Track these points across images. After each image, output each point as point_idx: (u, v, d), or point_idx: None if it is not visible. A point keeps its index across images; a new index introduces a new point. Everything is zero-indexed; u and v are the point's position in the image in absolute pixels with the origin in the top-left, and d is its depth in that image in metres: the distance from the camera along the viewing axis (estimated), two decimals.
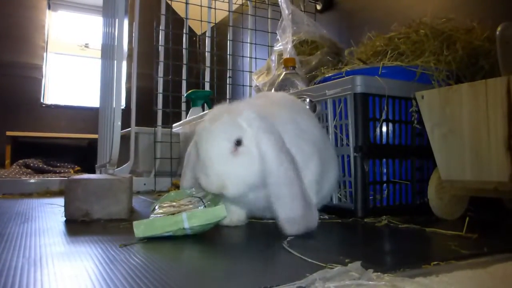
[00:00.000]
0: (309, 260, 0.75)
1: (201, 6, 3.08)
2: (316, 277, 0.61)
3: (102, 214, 1.35)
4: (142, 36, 2.84)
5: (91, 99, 5.14)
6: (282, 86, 1.78)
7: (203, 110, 2.75)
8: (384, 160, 1.37)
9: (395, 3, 2.34)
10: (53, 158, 4.33)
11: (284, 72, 1.84)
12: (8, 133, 4.54)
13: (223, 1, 3.21)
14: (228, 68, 3.25)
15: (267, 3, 3.22)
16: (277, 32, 2.39)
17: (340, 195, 1.39)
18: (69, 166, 4.20)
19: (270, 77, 2.27)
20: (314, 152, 1.17)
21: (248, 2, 3.25)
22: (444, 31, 1.55)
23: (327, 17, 2.91)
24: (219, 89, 3.27)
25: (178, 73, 3.11)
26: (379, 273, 0.64)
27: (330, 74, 1.62)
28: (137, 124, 2.71)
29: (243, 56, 3.26)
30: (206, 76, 3.25)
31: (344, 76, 1.45)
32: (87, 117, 4.99)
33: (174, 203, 1.10)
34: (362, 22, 2.46)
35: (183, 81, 3.15)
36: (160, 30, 3.01)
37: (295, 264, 0.76)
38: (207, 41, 3.33)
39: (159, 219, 1.02)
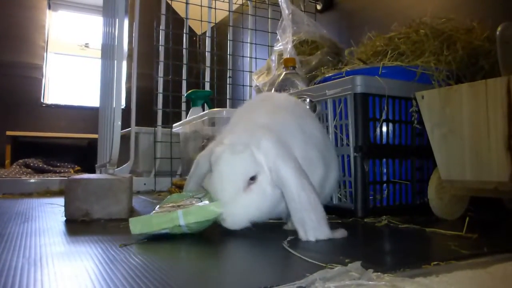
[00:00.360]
0: (309, 260, 0.75)
1: (201, 6, 3.08)
2: (316, 277, 0.61)
3: (102, 214, 1.35)
4: (142, 36, 2.84)
5: (91, 99, 5.14)
6: (282, 86, 1.78)
7: (203, 110, 2.75)
8: (384, 160, 1.37)
9: (395, 3, 2.34)
10: (53, 158, 4.33)
11: (284, 72, 1.84)
12: (8, 132, 4.54)
13: (223, 1, 3.21)
14: (228, 68, 3.25)
15: (267, 3, 3.22)
16: (277, 32, 2.39)
17: (340, 195, 1.39)
18: (69, 166, 4.20)
19: (270, 77, 2.27)
20: (319, 157, 1.18)
21: (248, 2, 3.25)
22: (444, 31, 1.55)
23: (327, 17, 2.91)
24: (219, 89, 3.27)
25: (178, 73, 3.11)
26: (379, 273, 0.64)
27: (330, 74, 1.62)
28: (137, 124, 2.71)
29: (243, 56, 3.26)
30: (206, 76, 3.25)
31: (344, 76, 1.45)
32: (87, 117, 4.98)
33: (175, 204, 1.10)
34: (362, 22, 2.46)
35: (183, 81, 3.15)
36: (160, 30, 3.01)
37: (295, 264, 0.76)
38: (207, 41, 3.33)
39: (155, 216, 1.02)
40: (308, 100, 1.48)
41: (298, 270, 0.68)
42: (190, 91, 2.83)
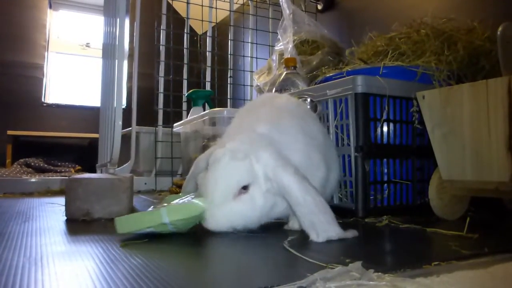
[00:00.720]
0: (310, 260, 0.75)
1: (202, 5, 3.08)
2: (317, 277, 0.61)
3: (102, 213, 1.35)
4: (143, 36, 2.84)
5: (92, 98, 5.14)
6: (283, 85, 1.78)
7: (204, 110, 2.75)
8: (385, 160, 1.37)
9: (396, 3, 2.34)
10: (54, 157, 4.34)
11: (285, 72, 1.84)
12: (9, 132, 4.54)
13: (224, 1, 3.21)
14: (229, 67, 3.25)
15: (268, 2, 3.22)
16: (278, 32, 2.39)
17: (341, 195, 1.39)
18: (70, 166, 4.20)
19: (271, 77, 2.27)
20: (321, 159, 1.18)
21: (249, 1, 3.25)
22: (445, 31, 1.55)
23: (328, 17, 2.91)
24: (220, 89, 3.27)
25: (179, 72, 3.11)
26: (379, 273, 0.64)
27: (331, 74, 1.62)
28: (138, 124, 2.71)
29: (244, 56, 3.26)
30: (207, 76, 3.25)
31: (345, 76, 1.45)
32: (88, 116, 4.98)
33: (166, 204, 1.10)
34: (363, 22, 2.46)
35: (184, 80, 3.15)
36: (161, 30, 3.01)
37: (296, 264, 0.76)
38: (208, 41, 3.33)
39: (140, 214, 1.02)
40: (309, 100, 1.48)
41: (299, 270, 0.68)
42: (191, 91, 2.83)
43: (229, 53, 3.24)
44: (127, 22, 1.81)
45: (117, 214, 1.36)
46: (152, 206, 1.13)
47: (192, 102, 2.81)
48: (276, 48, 2.41)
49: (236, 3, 3.31)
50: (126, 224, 1.00)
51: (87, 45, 5.51)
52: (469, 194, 1.28)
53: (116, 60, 1.79)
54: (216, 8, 3.19)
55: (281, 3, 2.37)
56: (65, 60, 5.41)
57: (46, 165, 4.02)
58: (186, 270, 0.75)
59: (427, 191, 1.30)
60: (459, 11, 1.86)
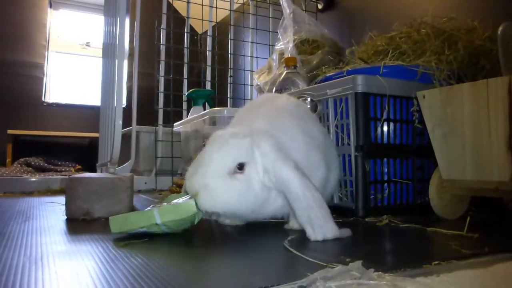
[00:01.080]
0: (310, 259, 0.75)
1: (202, 5, 3.08)
2: (317, 277, 0.61)
3: (103, 213, 1.35)
4: (143, 35, 2.84)
5: (92, 97, 5.14)
6: (283, 85, 1.78)
7: (204, 109, 2.75)
8: (385, 159, 1.37)
9: (396, 3, 2.34)
10: (54, 156, 4.34)
11: (285, 71, 1.84)
12: (10, 131, 4.55)
13: (224, 0, 3.21)
14: (229, 67, 3.25)
15: (268, 2, 3.22)
16: (278, 31, 2.39)
17: (341, 194, 1.39)
18: (70, 165, 4.21)
19: (271, 76, 2.27)
20: (321, 159, 1.18)
21: (250, 1, 3.25)
22: (445, 30, 1.55)
23: (328, 17, 2.91)
24: (220, 88, 3.27)
25: (179, 72, 3.11)
26: (380, 272, 0.64)
27: (331, 74, 1.62)
28: (138, 123, 2.70)
29: (244, 55, 3.26)
30: (207, 75, 3.25)
31: (345, 76, 1.45)
32: (88, 115, 4.99)
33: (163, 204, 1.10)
34: (363, 22, 2.46)
35: (184, 80, 3.15)
36: (161, 29, 3.01)
37: (296, 263, 0.76)
38: (208, 40, 3.33)
39: (133, 214, 1.02)
40: (309, 99, 1.48)
41: (299, 270, 0.68)
42: (191, 90, 2.83)
43: (229, 52, 3.24)
44: (127, 21, 1.81)
45: (117, 214, 1.36)
46: (151, 205, 1.13)
47: (192, 101, 2.81)
48: (276, 47, 2.41)
49: (236, 3, 3.31)
50: (120, 224, 1.00)
51: (87, 44, 5.51)
52: (469, 193, 1.28)
53: (116, 60, 1.79)
54: (216, 8, 3.19)
55: (281, 3, 2.37)
56: (65, 59, 5.41)
57: (46, 165, 4.02)
58: (186, 269, 0.75)
59: (427, 190, 1.30)
60: (460, 10, 1.86)
